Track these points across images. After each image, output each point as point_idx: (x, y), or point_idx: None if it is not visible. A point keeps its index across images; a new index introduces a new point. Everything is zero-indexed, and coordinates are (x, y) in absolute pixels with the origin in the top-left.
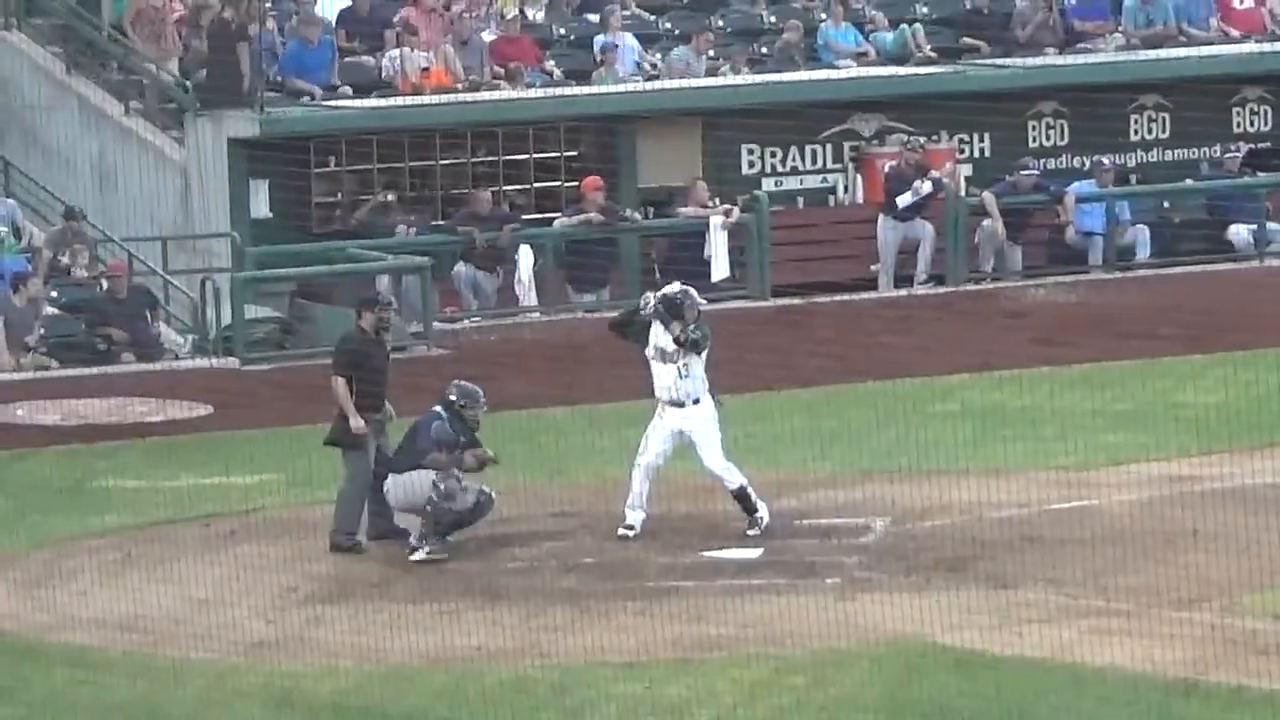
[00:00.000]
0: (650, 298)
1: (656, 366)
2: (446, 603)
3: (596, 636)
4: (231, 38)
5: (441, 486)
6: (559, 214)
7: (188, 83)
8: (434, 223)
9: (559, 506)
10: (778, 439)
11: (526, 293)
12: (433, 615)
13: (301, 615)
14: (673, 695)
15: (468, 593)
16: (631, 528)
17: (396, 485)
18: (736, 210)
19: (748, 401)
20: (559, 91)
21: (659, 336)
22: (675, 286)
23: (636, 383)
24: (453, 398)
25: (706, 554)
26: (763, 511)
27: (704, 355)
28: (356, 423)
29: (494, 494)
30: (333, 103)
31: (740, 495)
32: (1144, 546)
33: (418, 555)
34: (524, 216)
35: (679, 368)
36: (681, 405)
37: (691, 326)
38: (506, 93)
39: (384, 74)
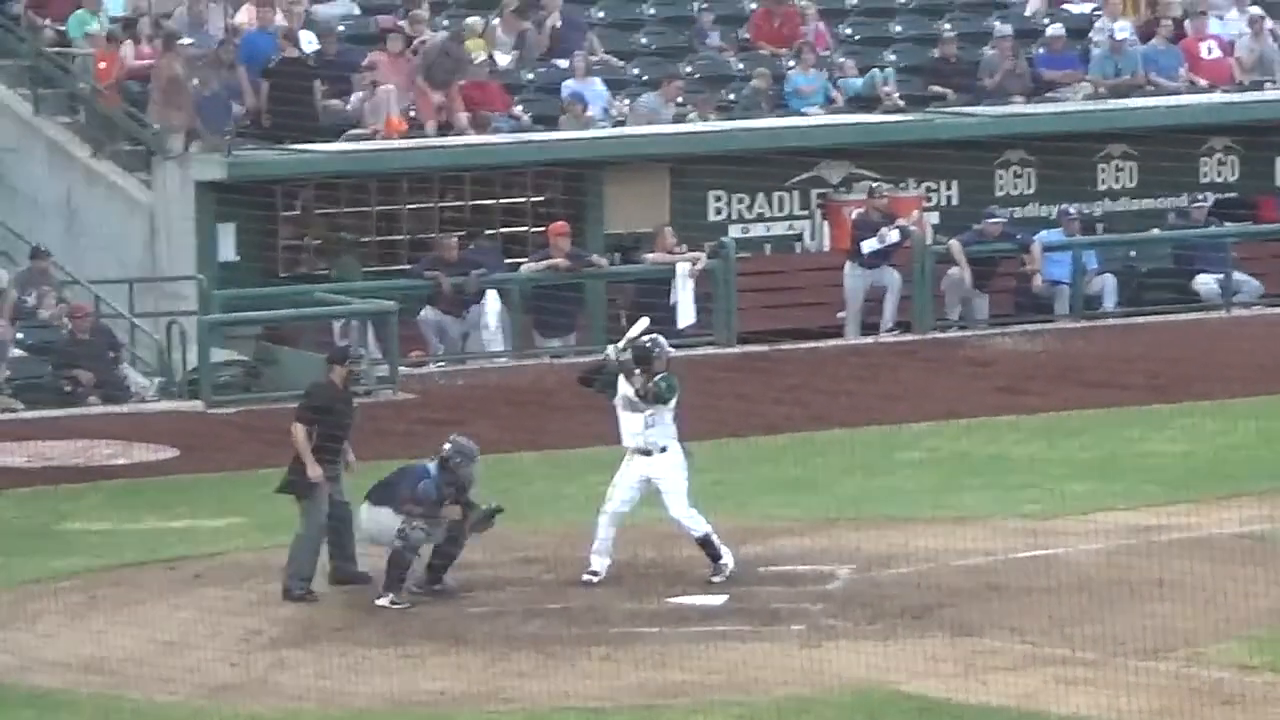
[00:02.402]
0: (611, 350)
1: (624, 415)
2: (410, 647)
3: (561, 682)
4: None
5: (407, 532)
6: (525, 259)
7: (155, 125)
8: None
9: (524, 551)
10: (743, 486)
11: (492, 338)
12: (397, 659)
13: (266, 659)
14: None
15: (432, 637)
16: (596, 573)
17: (370, 515)
18: (703, 257)
19: (714, 448)
20: (527, 137)
21: (625, 385)
22: (642, 330)
23: (603, 428)
24: (447, 454)
25: (671, 600)
26: (727, 558)
27: (672, 404)
28: (314, 471)
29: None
30: (300, 146)
31: (704, 542)
32: (1108, 596)
33: (381, 601)
34: (501, 259)
35: (646, 417)
36: (649, 453)
37: (659, 377)
38: (474, 138)
39: (354, 116)
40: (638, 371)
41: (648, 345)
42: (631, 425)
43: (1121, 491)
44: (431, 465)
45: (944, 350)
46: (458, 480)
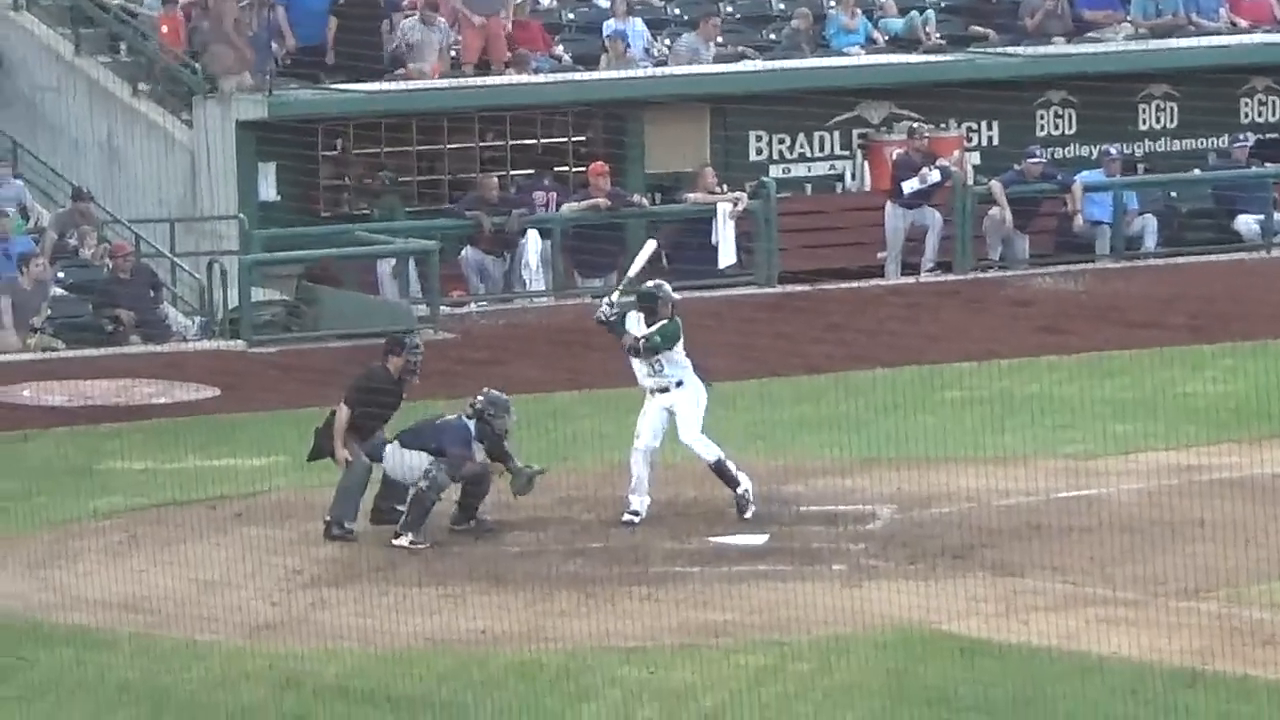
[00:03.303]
0: (606, 307)
1: (634, 360)
2: (451, 586)
3: (601, 621)
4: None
5: (434, 475)
6: (567, 199)
7: (195, 64)
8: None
9: (564, 491)
10: (784, 425)
11: (533, 277)
12: (437, 599)
13: (306, 598)
14: (677, 681)
15: (472, 576)
16: (636, 513)
17: (397, 457)
18: (744, 197)
19: (755, 387)
20: (567, 77)
21: (628, 334)
22: (650, 254)
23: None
24: (480, 407)
25: (712, 540)
26: (745, 484)
27: (679, 343)
28: (342, 454)
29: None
30: (341, 86)
31: (718, 469)
32: (1150, 536)
33: (399, 541)
34: (540, 192)
35: (650, 364)
36: (666, 390)
37: (655, 328)
38: (515, 78)
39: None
40: (642, 317)
41: (652, 289)
42: (640, 369)
43: (1162, 431)
44: (470, 422)
45: (984, 290)
46: (493, 433)
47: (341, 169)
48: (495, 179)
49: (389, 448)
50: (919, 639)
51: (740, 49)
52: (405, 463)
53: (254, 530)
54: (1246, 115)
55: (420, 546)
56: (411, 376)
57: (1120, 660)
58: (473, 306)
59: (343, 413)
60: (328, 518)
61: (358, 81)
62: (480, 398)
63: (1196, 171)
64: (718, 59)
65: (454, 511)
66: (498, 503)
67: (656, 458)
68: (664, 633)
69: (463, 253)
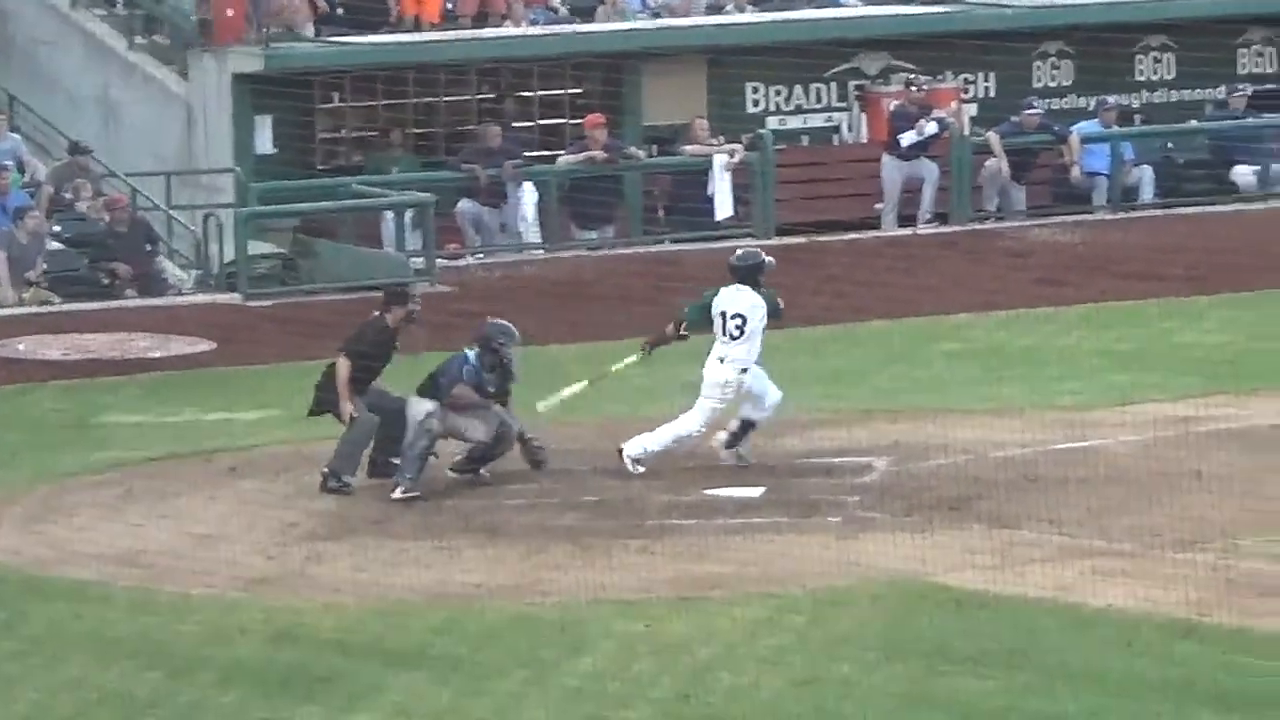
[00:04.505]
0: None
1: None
2: (447, 539)
3: (596, 574)
4: None
5: (430, 426)
6: (563, 151)
7: (193, 16)
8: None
9: (560, 443)
10: (781, 377)
11: (529, 230)
12: (433, 552)
13: (302, 551)
14: (673, 633)
15: (468, 530)
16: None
17: (415, 407)
18: (741, 149)
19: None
20: (564, 29)
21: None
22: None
23: (640, 320)
24: (487, 333)
25: (708, 492)
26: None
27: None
28: (348, 408)
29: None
30: (337, 38)
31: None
32: (1146, 487)
33: (397, 494)
34: (528, 153)
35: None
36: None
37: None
38: (511, 30)
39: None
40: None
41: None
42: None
43: (1159, 383)
44: (471, 353)
45: (982, 241)
46: (501, 361)
47: (338, 121)
48: (498, 127)
49: (411, 400)
50: (914, 591)
51: (737, 1)
52: (415, 410)
53: (249, 484)
54: (1243, 66)
55: (413, 495)
56: (412, 324)
57: (1116, 612)
58: (469, 259)
59: (343, 366)
60: (325, 470)
61: (355, 33)
62: (487, 326)
63: (1193, 123)
64: (711, 10)
65: (459, 459)
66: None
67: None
68: (659, 585)
69: (459, 205)
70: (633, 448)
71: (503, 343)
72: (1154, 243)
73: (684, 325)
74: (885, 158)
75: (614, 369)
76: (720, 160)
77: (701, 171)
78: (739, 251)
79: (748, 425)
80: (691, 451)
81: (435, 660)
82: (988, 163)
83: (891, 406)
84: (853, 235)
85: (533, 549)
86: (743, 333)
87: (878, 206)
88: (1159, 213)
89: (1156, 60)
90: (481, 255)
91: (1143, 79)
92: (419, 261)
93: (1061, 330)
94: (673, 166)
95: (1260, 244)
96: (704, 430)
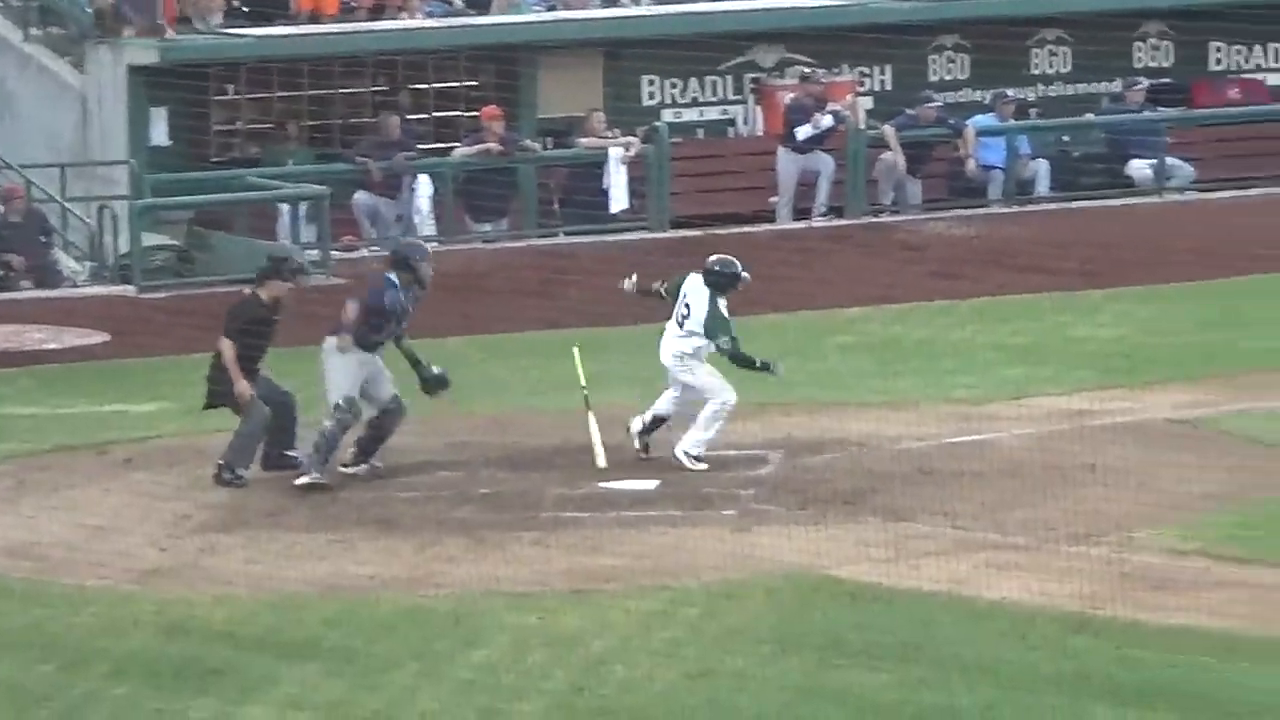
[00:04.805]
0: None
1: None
2: (340, 532)
3: (491, 567)
4: None
5: (342, 412)
6: (458, 143)
7: (88, 8)
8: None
9: (454, 436)
10: None
11: (424, 222)
12: (326, 544)
13: (196, 543)
14: (567, 626)
15: (361, 522)
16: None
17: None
18: (636, 141)
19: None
20: (460, 21)
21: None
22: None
23: (535, 313)
24: (403, 253)
25: (602, 485)
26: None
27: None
28: (242, 387)
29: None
30: (233, 30)
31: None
32: (1040, 481)
33: (302, 480)
34: (423, 146)
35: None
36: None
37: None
38: (407, 22)
39: None
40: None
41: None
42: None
43: (1054, 376)
44: (390, 275)
45: (877, 235)
46: (418, 279)
47: (233, 113)
48: (396, 118)
49: (328, 378)
50: (809, 584)
51: None
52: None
53: (143, 476)
54: (1139, 60)
55: (323, 482)
56: (297, 282)
57: (1010, 605)
58: (364, 251)
59: (227, 347)
60: (220, 462)
61: (250, 26)
62: (400, 245)
63: (1089, 116)
64: (607, 2)
65: (352, 451)
66: (386, 448)
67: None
68: (553, 578)
69: (355, 196)
70: (690, 447)
71: (419, 259)
72: (1049, 236)
73: (666, 288)
74: (780, 151)
75: (582, 383)
76: (616, 153)
77: (597, 164)
78: (719, 257)
79: (661, 419)
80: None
81: (328, 652)
82: (883, 156)
83: (786, 400)
84: (748, 228)
85: (426, 541)
86: (682, 326)
87: (773, 200)
88: (1054, 206)
89: (1052, 54)
90: (376, 247)
91: (1038, 72)
92: (314, 254)
93: (957, 324)
94: (568, 159)
95: (1155, 238)
96: (732, 391)
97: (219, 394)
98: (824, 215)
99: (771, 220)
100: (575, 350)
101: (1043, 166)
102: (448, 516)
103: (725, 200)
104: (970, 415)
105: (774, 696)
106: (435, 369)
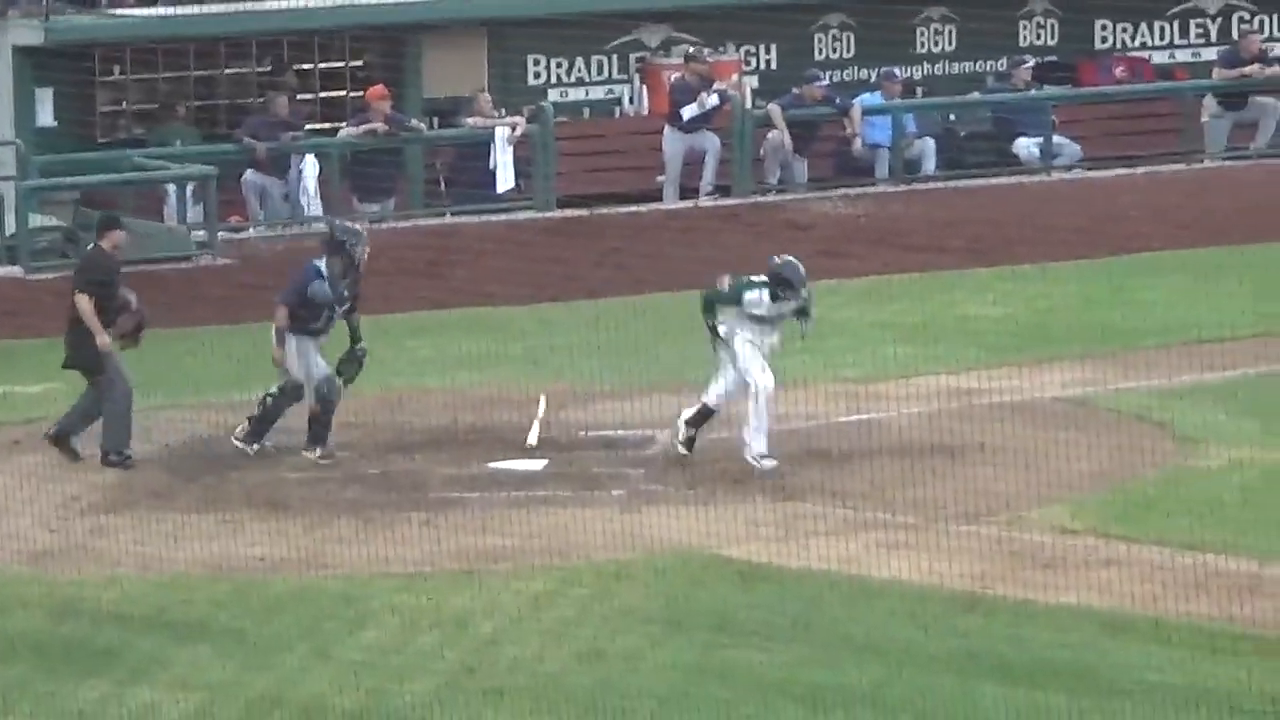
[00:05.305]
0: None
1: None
2: (229, 512)
3: (380, 547)
4: None
5: (325, 390)
6: (344, 123)
7: None
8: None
9: (343, 416)
10: (563, 350)
11: (311, 202)
12: (216, 525)
13: (84, 525)
14: (456, 606)
15: (251, 503)
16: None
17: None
18: (522, 121)
19: (532, 312)
20: (344, 1)
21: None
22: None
23: (422, 293)
24: (338, 236)
25: (491, 465)
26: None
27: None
28: (104, 339)
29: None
30: (118, 11)
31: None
32: (930, 460)
33: (309, 454)
34: (310, 126)
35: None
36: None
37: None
38: (292, 2)
39: None
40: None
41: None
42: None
43: (942, 355)
44: (319, 262)
45: (764, 214)
46: (353, 263)
47: (120, 94)
48: (284, 99)
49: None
50: (698, 563)
51: None
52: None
53: (31, 458)
54: (1025, 38)
55: (329, 461)
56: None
57: (900, 584)
58: (252, 231)
59: (83, 300)
60: (102, 448)
61: (136, 6)
62: (333, 227)
63: (975, 95)
64: None
65: (243, 426)
66: (277, 427)
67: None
68: (443, 558)
69: (245, 175)
70: (759, 447)
71: (353, 243)
72: (936, 215)
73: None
74: (666, 130)
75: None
76: (502, 133)
77: (484, 144)
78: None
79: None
80: (473, 425)
81: (218, 633)
82: (769, 135)
83: (674, 380)
84: (634, 208)
85: (316, 522)
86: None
87: (659, 179)
88: (941, 185)
89: (938, 32)
90: (264, 228)
91: (924, 51)
92: (201, 234)
93: (844, 303)
94: (454, 139)
95: (1041, 217)
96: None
97: (78, 356)
98: (710, 194)
99: (658, 200)
100: (543, 398)
101: (929, 145)
102: (337, 497)
103: (612, 180)
104: (859, 395)
105: (664, 676)
106: (359, 350)
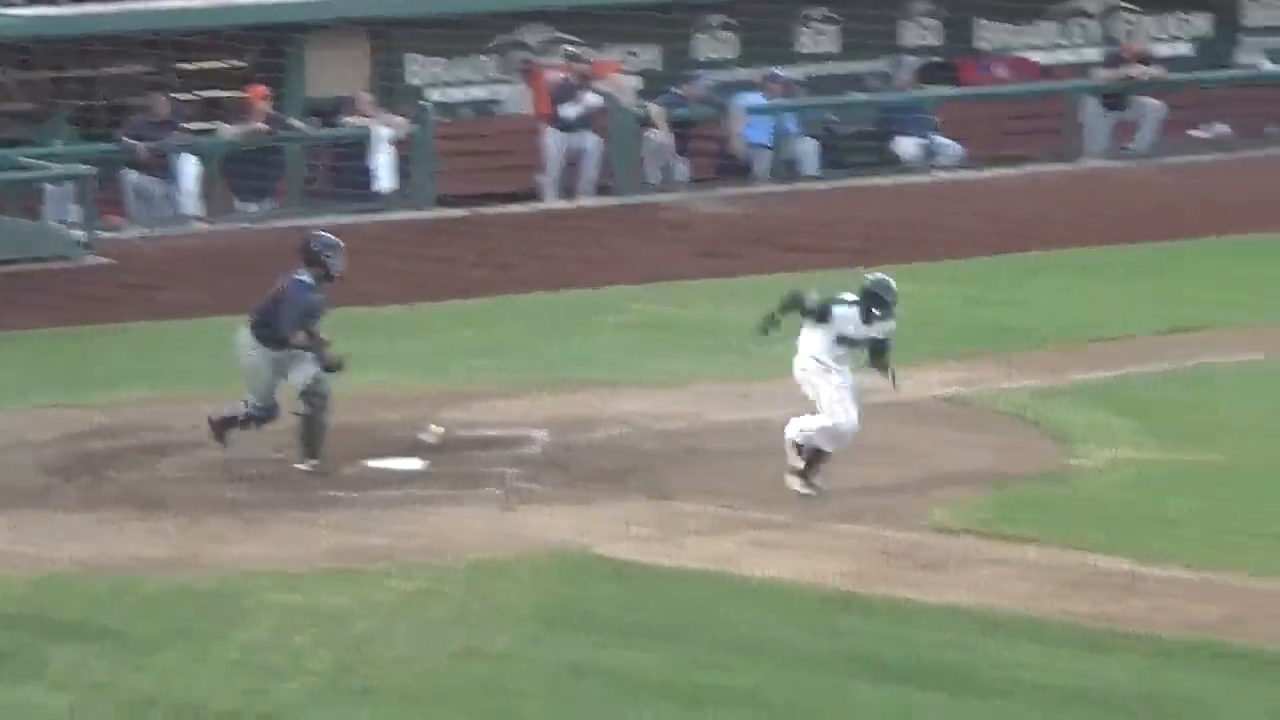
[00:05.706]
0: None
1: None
2: (107, 511)
3: (257, 546)
4: None
5: (314, 393)
6: (225, 123)
7: None
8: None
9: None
10: (442, 349)
11: (191, 201)
12: (94, 524)
13: None
14: (332, 605)
15: (128, 502)
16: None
17: (258, 355)
18: (403, 121)
19: (412, 311)
20: (225, 1)
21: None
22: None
23: None
24: (316, 250)
25: (369, 464)
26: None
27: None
28: None
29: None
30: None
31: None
32: None
33: (303, 466)
34: (189, 125)
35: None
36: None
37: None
38: (172, 2)
39: None
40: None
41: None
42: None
43: None
44: (301, 275)
45: (644, 214)
46: (329, 275)
47: None
48: (164, 98)
49: (246, 345)
50: (575, 562)
51: None
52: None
53: None
54: (907, 39)
55: (320, 470)
56: None
57: (776, 583)
58: (131, 231)
59: None
60: None
61: (15, 6)
62: (312, 241)
63: (856, 95)
64: None
65: (298, 449)
66: (151, 426)
67: None
68: (320, 558)
69: (124, 174)
70: (805, 436)
71: (330, 256)
72: (818, 215)
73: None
74: (547, 129)
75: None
76: (383, 133)
77: (363, 144)
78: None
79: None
80: (351, 424)
81: (96, 633)
82: (650, 135)
83: (553, 379)
84: (514, 208)
85: (193, 521)
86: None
87: (539, 178)
88: (823, 185)
89: (820, 32)
90: (143, 228)
91: (806, 51)
92: (80, 233)
93: (724, 303)
94: (334, 139)
95: (923, 217)
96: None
97: None
98: (591, 194)
99: (538, 199)
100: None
101: (810, 145)
102: (215, 496)
103: (492, 179)
104: (739, 394)
105: (541, 676)
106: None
